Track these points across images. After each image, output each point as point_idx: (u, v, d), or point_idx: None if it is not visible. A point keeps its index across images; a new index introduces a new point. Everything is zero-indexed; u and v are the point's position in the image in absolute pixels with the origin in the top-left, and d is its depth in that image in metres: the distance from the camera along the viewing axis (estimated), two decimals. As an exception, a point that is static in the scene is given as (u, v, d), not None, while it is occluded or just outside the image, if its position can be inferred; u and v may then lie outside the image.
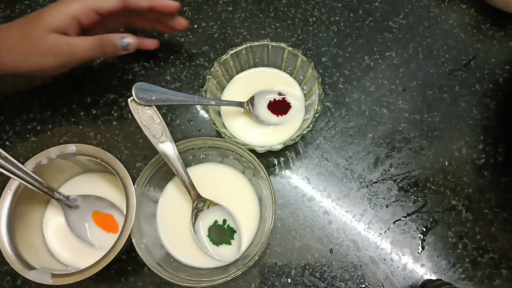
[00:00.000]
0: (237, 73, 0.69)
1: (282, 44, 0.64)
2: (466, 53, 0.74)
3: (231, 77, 0.69)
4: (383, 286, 0.63)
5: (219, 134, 0.62)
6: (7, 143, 0.70)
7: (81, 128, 0.71)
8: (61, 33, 0.60)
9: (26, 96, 0.72)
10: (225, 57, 0.64)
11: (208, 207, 0.61)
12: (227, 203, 0.62)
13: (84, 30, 0.63)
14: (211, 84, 0.64)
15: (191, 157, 0.63)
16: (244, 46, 0.65)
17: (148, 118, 0.56)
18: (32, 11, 0.77)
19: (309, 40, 0.75)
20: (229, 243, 0.61)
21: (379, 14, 0.76)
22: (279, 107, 0.67)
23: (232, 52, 0.64)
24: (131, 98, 0.56)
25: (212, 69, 0.64)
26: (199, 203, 0.61)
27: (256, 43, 0.65)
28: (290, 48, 0.64)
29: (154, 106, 0.57)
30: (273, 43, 0.65)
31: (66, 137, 0.70)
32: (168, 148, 0.57)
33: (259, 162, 0.58)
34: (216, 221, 0.62)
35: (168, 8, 0.64)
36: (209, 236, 0.61)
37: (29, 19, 0.61)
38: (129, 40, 0.60)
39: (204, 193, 0.61)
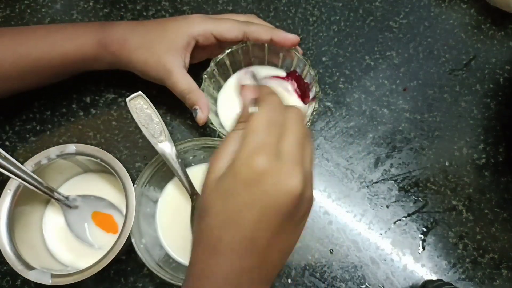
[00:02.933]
0: (234, 72, 0.69)
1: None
2: (466, 53, 0.73)
3: (227, 77, 0.68)
4: (383, 286, 0.63)
5: (218, 135, 0.62)
6: (7, 143, 0.70)
7: (80, 128, 0.70)
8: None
9: (25, 96, 0.72)
10: (221, 57, 0.64)
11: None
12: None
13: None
14: (208, 84, 0.64)
15: (191, 157, 0.63)
16: (241, 45, 0.64)
17: (146, 118, 0.56)
18: (32, 10, 0.77)
19: (309, 39, 0.75)
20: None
21: (379, 14, 0.76)
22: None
23: (228, 51, 0.64)
24: (130, 97, 0.56)
25: (208, 69, 0.64)
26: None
27: (251, 42, 0.64)
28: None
29: (152, 105, 0.57)
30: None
31: (65, 137, 0.70)
32: (166, 147, 0.57)
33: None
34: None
35: (287, 42, 0.62)
36: None
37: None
38: (199, 113, 0.61)
39: (203, 193, 0.61)
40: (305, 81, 0.65)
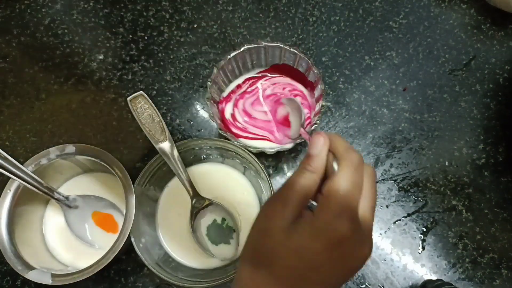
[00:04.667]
0: (236, 77, 0.68)
1: (279, 44, 0.64)
2: (466, 53, 0.73)
3: (230, 81, 0.68)
4: (383, 286, 0.63)
5: (225, 138, 0.62)
6: (7, 143, 0.70)
7: (81, 128, 0.71)
8: None
9: (26, 96, 0.72)
10: (223, 63, 0.64)
11: (207, 206, 0.61)
12: (227, 202, 0.62)
13: None
14: (213, 91, 0.64)
15: (192, 157, 0.63)
16: (242, 49, 0.64)
17: (147, 117, 0.56)
18: (32, 10, 0.77)
19: (309, 39, 0.75)
20: (228, 242, 0.61)
21: (379, 14, 0.76)
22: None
23: (230, 56, 0.64)
24: (131, 96, 0.56)
25: (212, 75, 0.63)
26: (198, 202, 0.61)
27: (253, 45, 0.64)
28: (287, 47, 0.64)
29: (153, 105, 0.57)
30: (270, 43, 0.64)
31: (66, 137, 0.70)
32: (167, 147, 0.57)
33: (259, 164, 0.58)
34: (215, 220, 0.62)
35: None
36: (208, 235, 0.61)
37: None
38: None
39: (203, 193, 0.61)
40: (308, 80, 0.65)
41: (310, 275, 0.35)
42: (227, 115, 0.67)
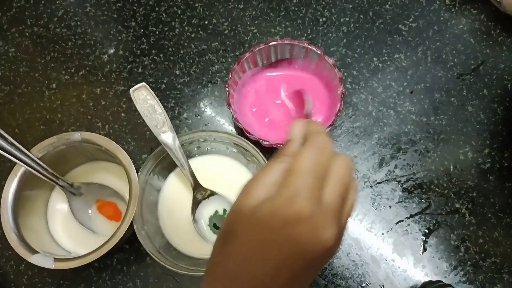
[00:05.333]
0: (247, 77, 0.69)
1: (287, 41, 0.64)
2: (475, 58, 0.73)
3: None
4: (383, 286, 0.63)
5: (241, 132, 0.63)
6: (16, 130, 0.71)
7: (89, 119, 0.71)
8: None
9: (37, 85, 0.73)
10: (236, 67, 0.64)
11: (209, 197, 0.62)
12: (229, 194, 0.63)
13: None
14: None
15: (196, 149, 0.64)
16: (255, 50, 0.65)
17: (150, 108, 0.57)
18: (46, 2, 0.78)
19: (318, 40, 0.75)
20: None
21: (389, 17, 0.76)
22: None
23: (243, 59, 0.64)
24: (133, 88, 0.57)
25: (229, 81, 0.63)
26: (200, 193, 0.61)
27: (262, 46, 0.64)
28: (295, 42, 0.64)
29: (155, 97, 0.57)
30: (279, 41, 0.65)
31: (74, 127, 0.71)
32: (169, 138, 0.57)
33: (263, 157, 0.59)
34: (216, 211, 0.62)
35: None
36: (209, 225, 0.62)
37: None
38: None
39: (206, 184, 0.62)
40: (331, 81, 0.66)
41: (264, 251, 0.34)
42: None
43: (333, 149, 0.38)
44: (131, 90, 0.57)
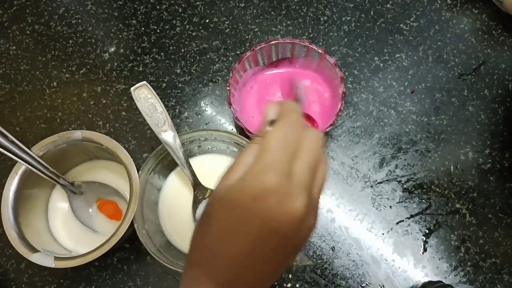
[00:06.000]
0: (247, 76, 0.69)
1: (288, 40, 0.64)
2: (476, 58, 0.73)
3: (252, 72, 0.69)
4: (383, 286, 0.63)
5: (242, 131, 0.63)
6: (17, 128, 0.71)
7: (90, 117, 0.71)
8: None
9: (37, 83, 0.73)
10: (237, 65, 0.64)
11: (209, 196, 0.62)
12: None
13: None
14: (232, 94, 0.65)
15: (196, 148, 0.64)
16: (257, 48, 0.64)
17: (150, 107, 0.57)
18: (47, 0, 0.78)
19: (319, 39, 0.75)
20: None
21: (390, 16, 0.76)
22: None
23: (244, 58, 0.64)
24: (134, 86, 0.57)
25: (230, 79, 0.63)
26: (200, 192, 0.61)
27: (263, 44, 0.64)
28: (297, 41, 0.64)
29: (156, 95, 0.57)
30: (280, 40, 0.65)
31: (75, 125, 0.71)
32: (169, 137, 0.57)
33: (264, 156, 0.58)
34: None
35: None
36: None
37: None
38: None
39: (206, 183, 0.61)
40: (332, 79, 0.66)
41: (234, 229, 0.35)
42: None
43: (304, 124, 0.38)
44: (132, 88, 0.57)
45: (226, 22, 0.77)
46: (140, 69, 0.74)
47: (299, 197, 0.34)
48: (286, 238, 0.35)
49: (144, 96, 0.57)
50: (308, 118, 0.65)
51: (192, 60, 0.74)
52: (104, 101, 0.72)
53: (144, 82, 0.58)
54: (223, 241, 0.35)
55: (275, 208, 0.33)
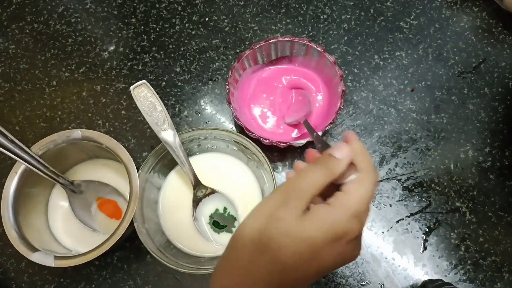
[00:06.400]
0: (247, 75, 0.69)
1: (287, 38, 0.64)
2: (476, 56, 0.73)
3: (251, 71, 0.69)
4: (383, 284, 0.63)
5: (242, 129, 0.63)
6: (17, 127, 0.71)
7: (90, 116, 0.71)
8: None
9: (37, 82, 0.73)
10: (237, 64, 0.64)
11: (209, 195, 0.62)
12: (229, 192, 0.63)
13: None
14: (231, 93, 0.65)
15: (196, 147, 0.64)
16: (256, 47, 0.64)
17: (150, 106, 0.57)
18: (31, 5, 0.78)
19: (319, 37, 0.75)
20: (230, 231, 0.61)
21: (390, 14, 0.76)
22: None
23: (244, 56, 0.64)
24: (134, 85, 0.57)
25: (230, 78, 0.64)
26: (200, 191, 0.61)
27: (262, 43, 0.64)
28: (296, 39, 0.64)
29: (156, 94, 0.57)
30: (280, 39, 0.65)
31: (75, 124, 0.71)
32: (169, 136, 0.57)
33: (263, 155, 0.59)
34: (217, 209, 0.62)
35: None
36: (210, 223, 0.62)
37: None
38: None
39: (206, 182, 0.62)
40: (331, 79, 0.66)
41: (312, 263, 0.36)
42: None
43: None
44: (131, 87, 0.57)
45: (226, 21, 0.76)
46: (140, 67, 0.74)
47: (360, 245, 0.39)
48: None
49: (144, 95, 0.57)
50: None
51: (191, 58, 0.74)
52: (104, 100, 0.72)
53: (144, 81, 0.57)
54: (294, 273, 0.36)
55: (347, 253, 0.38)
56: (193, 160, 0.64)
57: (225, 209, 0.62)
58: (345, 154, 0.39)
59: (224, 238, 0.62)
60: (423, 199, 0.66)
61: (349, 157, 0.39)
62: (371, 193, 0.38)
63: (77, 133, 0.60)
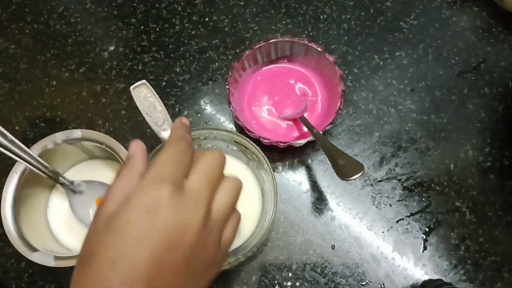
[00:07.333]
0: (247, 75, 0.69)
1: (287, 38, 0.65)
2: (476, 55, 0.73)
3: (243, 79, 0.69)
4: (383, 284, 0.63)
5: (242, 130, 0.63)
6: (17, 127, 0.71)
7: (90, 116, 0.71)
8: None
9: (37, 82, 0.73)
10: (237, 64, 0.64)
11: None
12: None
13: None
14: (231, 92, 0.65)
15: (196, 146, 0.64)
16: (256, 47, 0.65)
17: (150, 106, 0.57)
18: (31, 5, 0.78)
19: (319, 37, 0.75)
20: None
21: (390, 14, 0.76)
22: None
23: (244, 56, 0.64)
24: (134, 85, 0.56)
25: (230, 78, 0.64)
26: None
27: (262, 43, 0.64)
28: (296, 39, 0.64)
29: (156, 94, 0.57)
30: (280, 39, 0.65)
31: (75, 124, 0.71)
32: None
33: (263, 155, 0.59)
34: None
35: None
36: None
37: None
38: None
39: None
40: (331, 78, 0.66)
41: (128, 250, 0.31)
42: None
43: (196, 150, 0.38)
44: (131, 87, 0.57)
45: (226, 21, 0.76)
46: (140, 68, 0.74)
47: (194, 209, 0.33)
48: (188, 258, 0.33)
49: (144, 95, 0.57)
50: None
51: (191, 58, 0.74)
52: (104, 100, 0.72)
53: (144, 80, 0.57)
54: (116, 271, 0.31)
55: (170, 220, 0.32)
56: (193, 159, 0.64)
57: None
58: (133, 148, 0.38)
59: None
60: (423, 199, 0.66)
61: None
62: (172, 155, 0.35)
63: (77, 133, 0.60)
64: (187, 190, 0.34)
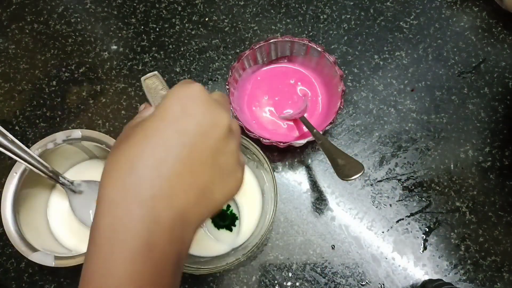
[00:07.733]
0: (247, 75, 0.69)
1: (287, 38, 0.65)
2: (476, 55, 0.73)
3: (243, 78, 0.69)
4: (383, 284, 0.63)
5: (242, 129, 0.62)
6: (17, 127, 0.71)
7: (90, 116, 0.71)
8: None
9: (37, 82, 0.73)
10: (237, 64, 0.64)
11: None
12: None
13: None
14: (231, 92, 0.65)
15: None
16: (256, 47, 0.65)
17: (161, 99, 0.56)
18: (31, 5, 0.78)
19: (319, 37, 0.75)
20: (230, 229, 0.61)
21: (390, 14, 0.76)
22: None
23: (244, 56, 0.64)
24: (145, 76, 0.55)
25: (229, 78, 0.64)
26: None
27: (262, 43, 0.65)
28: (296, 39, 0.64)
29: (167, 87, 0.56)
30: (279, 39, 0.65)
31: (75, 124, 0.71)
32: None
33: (263, 155, 0.59)
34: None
35: None
36: (212, 220, 0.62)
37: None
38: None
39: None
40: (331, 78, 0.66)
41: (163, 153, 0.33)
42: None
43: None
44: (142, 78, 0.54)
45: (226, 21, 0.76)
46: (140, 67, 0.74)
47: (221, 110, 0.37)
48: (216, 145, 0.36)
49: (155, 87, 0.55)
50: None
51: (191, 58, 0.74)
52: (104, 100, 0.72)
53: (155, 72, 0.55)
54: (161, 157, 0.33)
55: (204, 109, 0.35)
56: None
57: (228, 206, 0.62)
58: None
59: (224, 235, 0.62)
60: (423, 199, 0.66)
61: None
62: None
63: (77, 133, 0.60)
64: (213, 97, 0.37)
